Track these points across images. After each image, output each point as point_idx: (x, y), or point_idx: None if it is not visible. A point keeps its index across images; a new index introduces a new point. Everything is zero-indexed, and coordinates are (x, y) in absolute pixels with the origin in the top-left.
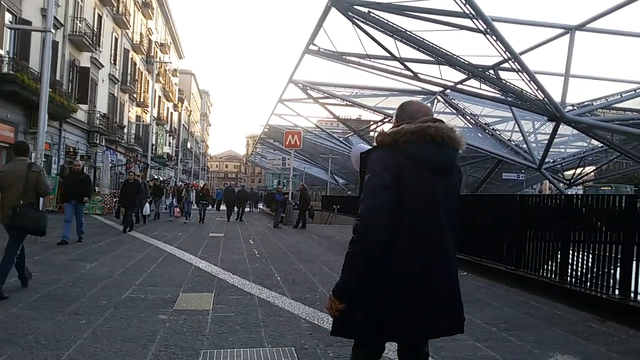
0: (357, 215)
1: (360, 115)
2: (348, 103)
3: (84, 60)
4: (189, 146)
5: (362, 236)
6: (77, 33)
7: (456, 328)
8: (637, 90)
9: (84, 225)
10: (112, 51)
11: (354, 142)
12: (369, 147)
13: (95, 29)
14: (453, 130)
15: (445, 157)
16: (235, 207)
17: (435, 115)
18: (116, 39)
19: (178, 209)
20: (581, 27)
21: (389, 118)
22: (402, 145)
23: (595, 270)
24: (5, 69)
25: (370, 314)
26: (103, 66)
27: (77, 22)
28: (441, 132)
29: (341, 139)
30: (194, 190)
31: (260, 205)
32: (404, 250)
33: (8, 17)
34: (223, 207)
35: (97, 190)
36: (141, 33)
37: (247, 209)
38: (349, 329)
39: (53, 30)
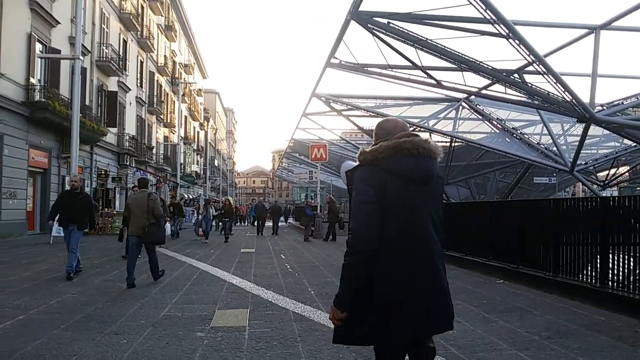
0: (349, 230)
1: None
2: (372, 114)
3: (112, 84)
4: (216, 164)
5: (354, 248)
6: (104, 59)
7: (446, 325)
8: None
9: (78, 258)
10: (138, 74)
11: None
12: (355, 163)
13: (121, 54)
14: (427, 141)
15: (423, 168)
16: (271, 222)
17: (460, 123)
18: (141, 63)
19: (201, 228)
20: (606, 26)
21: (414, 127)
22: (381, 161)
23: (637, 273)
24: (37, 97)
25: (367, 319)
26: (130, 89)
27: (104, 48)
28: (416, 145)
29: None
30: (212, 207)
31: (290, 220)
32: (394, 257)
33: (38, 47)
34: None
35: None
36: (165, 55)
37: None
38: (349, 336)
39: (81, 57)
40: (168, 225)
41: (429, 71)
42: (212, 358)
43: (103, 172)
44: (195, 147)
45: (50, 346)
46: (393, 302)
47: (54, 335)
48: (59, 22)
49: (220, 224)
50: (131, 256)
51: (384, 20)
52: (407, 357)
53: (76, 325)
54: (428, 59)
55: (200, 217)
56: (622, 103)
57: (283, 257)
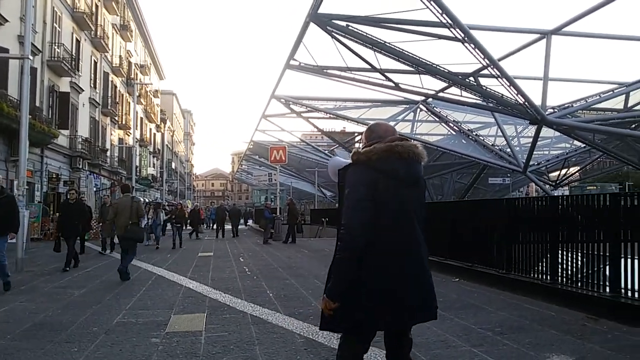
0: (341, 225)
1: (344, 128)
2: (332, 116)
3: (64, 85)
4: (173, 166)
5: (347, 243)
6: (56, 58)
7: (431, 314)
8: (615, 91)
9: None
10: (92, 75)
11: (339, 154)
12: (345, 160)
13: (73, 54)
14: (417, 146)
15: (412, 170)
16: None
17: (417, 125)
18: (95, 63)
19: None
20: (557, 31)
21: None
22: (374, 162)
23: (585, 269)
24: None
25: (355, 309)
26: (83, 90)
27: (55, 47)
28: (408, 149)
29: (327, 152)
30: (164, 211)
31: (250, 222)
32: (384, 251)
33: None
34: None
35: None
36: (120, 56)
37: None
38: (337, 323)
39: (31, 57)
40: None
41: (387, 74)
42: None
43: (54, 176)
44: (151, 150)
45: None
46: (384, 293)
47: (0, 346)
48: (7, 20)
49: (189, 228)
50: (123, 252)
51: (343, 23)
52: (373, 352)
53: (24, 334)
54: (386, 62)
55: (149, 221)
56: (572, 106)
57: (242, 260)
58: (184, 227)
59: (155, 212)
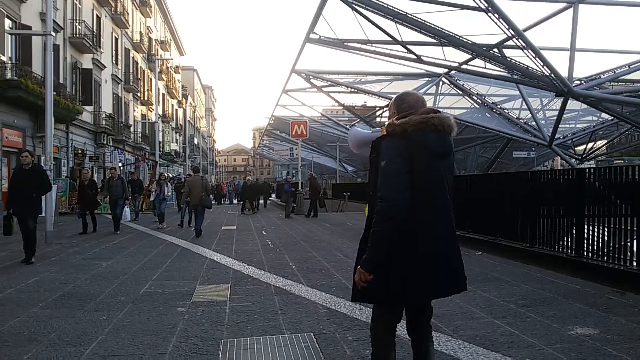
0: (379, 198)
1: (365, 102)
2: (353, 90)
3: (86, 62)
4: (196, 142)
5: (386, 215)
6: (78, 35)
7: (462, 286)
8: None
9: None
10: (114, 52)
11: (360, 129)
12: (364, 131)
13: (95, 31)
14: (450, 119)
15: (446, 143)
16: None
17: (440, 98)
18: (116, 39)
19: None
20: (584, 0)
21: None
22: (411, 134)
23: (611, 243)
24: (9, 75)
25: (389, 281)
26: (105, 67)
27: (77, 24)
28: (443, 121)
29: (348, 126)
30: (168, 184)
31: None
32: (419, 224)
33: (8, 23)
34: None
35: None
36: (141, 32)
37: (261, 202)
38: (370, 295)
39: (54, 34)
40: (127, 209)
41: (409, 46)
42: (193, 332)
43: (80, 152)
44: (174, 126)
45: (29, 324)
46: (419, 264)
47: (32, 314)
48: None
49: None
50: (196, 217)
51: None
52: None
53: (55, 303)
54: (408, 34)
55: (153, 196)
56: (600, 77)
57: (265, 233)
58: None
59: (159, 186)
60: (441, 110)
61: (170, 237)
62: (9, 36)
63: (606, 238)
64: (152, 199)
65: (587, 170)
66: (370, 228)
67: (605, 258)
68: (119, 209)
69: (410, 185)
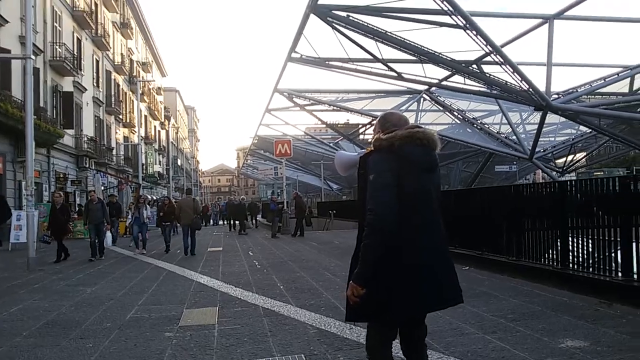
0: (368, 210)
1: (348, 120)
2: (335, 108)
3: (67, 84)
4: (179, 163)
5: (376, 228)
6: (58, 58)
7: (455, 299)
8: (620, 74)
9: None
10: (94, 74)
11: (344, 146)
12: (349, 153)
13: (75, 53)
14: (434, 134)
15: (431, 157)
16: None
17: (421, 114)
18: (97, 62)
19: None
20: (559, 15)
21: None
22: (397, 147)
23: (596, 254)
24: None
25: (381, 295)
26: (86, 89)
27: (57, 47)
28: (427, 136)
29: (331, 144)
30: (147, 207)
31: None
32: (407, 238)
33: None
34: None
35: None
36: (122, 54)
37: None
38: (363, 312)
39: (33, 57)
40: (109, 234)
41: (389, 64)
42: (181, 357)
43: (62, 176)
44: (156, 147)
45: (13, 354)
46: (410, 277)
47: (15, 343)
48: (7, 21)
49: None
50: (184, 237)
51: (343, 14)
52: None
53: (39, 332)
54: (388, 52)
55: (131, 220)
56: (577, 91)
57: (251, 254)
58: (177, 226)
59: (137, 209)
60: (423, 125)
61: (155, 260)
62: None
63: (590, 249)
64: (128, 222)
65: (569, 182)
66: (360, 243)
67: (591, 269)
68: (101, 234)
69: (398, 197)
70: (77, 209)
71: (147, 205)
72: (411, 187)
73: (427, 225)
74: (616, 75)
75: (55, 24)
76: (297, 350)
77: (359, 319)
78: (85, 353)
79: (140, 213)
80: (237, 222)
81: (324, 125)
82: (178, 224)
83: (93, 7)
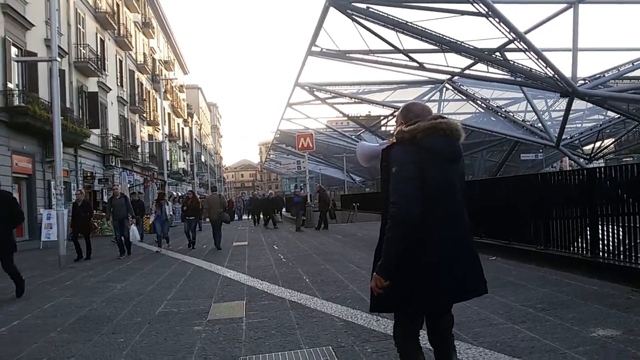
0: (391, 203)
1: (369, 112)
2: (356, 100)
3: (92, 85)
4: (203, 159)
5: (399, 221)
6: (82, 59)
7: (482, 289)
8: None
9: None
10: (118, 73)
11: (366, 139)
12: (371, 144)
13: (99, 54)
14: (457, 124)
15: (455, 147)
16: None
17: (444, 104)
18: (120, 61)
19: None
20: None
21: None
22: (419, 139)
23: (626, 242)
24: (16, 102)
25: (406, 286)
26: (111, 89)
27: (81, 48)
28: (451, 126)
29: (353, 136)
30: (168, 203)
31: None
32: (430, 230)
33: (14, 50)
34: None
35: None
36: (144, 53)
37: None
38: (387, 303)
39: (59, 59)
40: (134, 228)
41: (410, 54)
42: (210, 350)
43: (89, 174)
44: (180, 144)
45: (48, 349)
46: (435, 268)
47: (50, 339)
48: (33, 25)
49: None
50: (214, 231)
51: (363, 5)
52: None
53: (72, 327)
54: (409, 42)
55: (153, 218)
56: (604, 76)
57: (276, 248)
58: (200, 221)
59: (159, 205)
60: (446, 115)
61: (182, 255)
62: (15, 63)
63: (620, 237)
64: (152, 219)
65: (597, 169)
66: (383, 235)
67: (621, 257)
68: (125, 230)
69: (421, 189)
70: (102, 207)
71: (169, 202)
72: (434, 179)
73: (451, 216)
74: None
75: (79, 25)
76: (325, 343)
77: (383, 310)
78: (117, 348)
79: (162, 210)
80: (261, 217)
81: (346, 118)
82: (201, 220)
83: (115, 8)
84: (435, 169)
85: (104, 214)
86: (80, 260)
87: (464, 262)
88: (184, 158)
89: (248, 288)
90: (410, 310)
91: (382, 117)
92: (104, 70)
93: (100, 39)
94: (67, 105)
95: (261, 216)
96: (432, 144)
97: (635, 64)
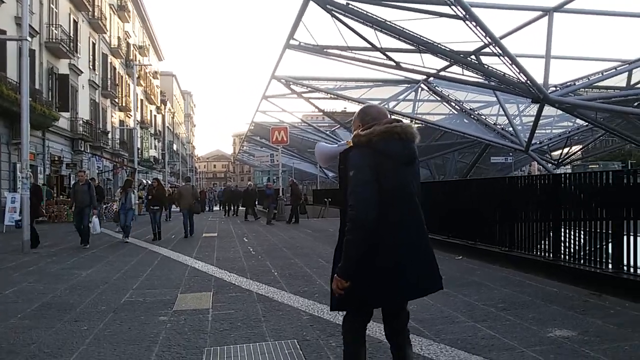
0: (349, 206)
1: (345, 108)
2: (332, 96)
3: (63, 67)
4: (175, 148)
5: (357, 224)
6: (54, 40)
7: (437, 286)
8: (618, 68)
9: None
10: (91, 57)
11: (340, 135)
12: (329, 145)
13: (71, 35)
14: (412, 127)
15: (410, 150)
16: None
17: (419, 104)
18: (94, 44)
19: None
20: (559, 8)
21: None
22: (375, 143)
23: (588, 246)
24: None
25: (364, 286)
26: (82, 72)
27: (53, 29)
28: (405, 130)
29: (328, 132)
30: (134, 192)
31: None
32: (386, 233)
33: None
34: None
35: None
36: (119, 37)
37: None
38: (347, 302)
39: (29, 39)
40: (96, 219)
41: (388, 53)
42: (175, 340)
43: (57, 159)
44: (152, 132)
45: (8, 335)
46: (391, 269)
47: (10, 325)
48: (2, 2)
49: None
50: (184, 220)
51: (343, 1)
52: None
53: (34, 314)
54: (387, 41)
55: (117, 205)
56: (574, 84)
57: (246, 240)
58: (164, 210)
59: (125, 193)
60: (420, 115)
61: (149, 244)
62: None
63: (582, 241)
64: (115, 207)
65: (563, 175)
66: (343, 236)
67: (582, 261)
68: (85, 219)
69: (378, 192)
70: (68, 192)
71: (134, 190)
72: (389, 183)
73: (405, 220)
74: (614, 70)
75: (51, 5)
76: (290, 336)
77: (343, 309)
78: (80, 335)
79: (127, 198)
80: (232, 208)
81: (321, 113)
82: (168, 209)
83: None
84: (390, 174)
85: (69, 199)
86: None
87: (419, 265)
88: (155, 146)
89: (216, 280)
90: (367, 309)
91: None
92: (76, 52)
93: (74, 20)
94: (37, 86)
95: (234, 208)
96: (388, 148)
97: (604, 74)
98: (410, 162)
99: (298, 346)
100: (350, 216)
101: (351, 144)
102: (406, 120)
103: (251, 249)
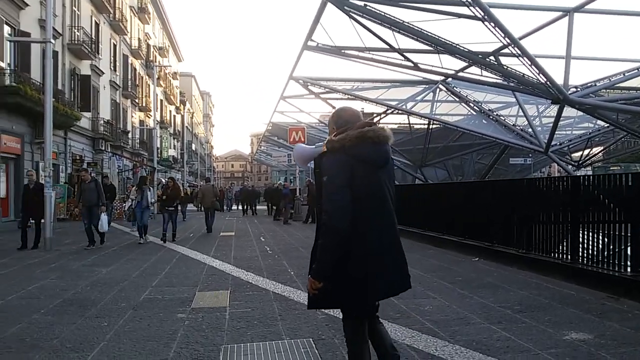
0: (324, 211)
1: (362, 109)
2: (350, 97)
3: (84, 68)
4: (193, 148)
5: (331, 229)
6: (76, 42)
7: (407, 285)
8: None
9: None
10: (112, 58)
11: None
12: (306, 146)
13: (93, 37)
14: (385, 129)
15: (383, 153)
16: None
17: (437, 105)
18: (115, 46)
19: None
20: (579, 8)
21: (392, 110)
22: (348, 149)
23: (606, 249)
24: (7, 82)
25: (339, 292)
26: (103, 73)
27: (75, 30)
28: (378, 133)
29: None
30: (151, 189)
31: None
32: (363, 232)
33: (7, 29)
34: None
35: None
36: (139, 38)
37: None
38: (322, 302)
39: (53, 41)
40: (104, 216)
41: (406, 54)
42: (193, 337)
43: (78, 158)
44: (171, 131)
45: (31, 330)
46: (365, 270)
47: (33, 320)
48: (27, 5)
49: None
50: (206, 218)
51: (360, 2)
52: None
53: (56, 310)
54: (405, 42)
55: (131, 204)
56: (595, 85)
57: (263, 239)
58: (180, 210)
59: (141, 191)
60: (439, 116)
61: (168, 243)
62: (8, 43)
63: (601, 244)
64: (127, 205)
65: (582, 177)
66: (318, 239)
67: (600, 264)
68: (95, 218)
69: (351, 197)
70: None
71: (151, 188)
72: (362, 190)
73: (382, 220)
74: (636, 70)
75: (74, 7)
76: (306, 335)
77: (319, 307)
78: (100, 332)
79: (143, 196)
80: (250, 207)
81: None
82: (184, 209)
83: None
84: (364, 178)
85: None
86: (25, 250)
87: (389, 272)
88: (174, 145)
89: (233, 278)
90: (351, 313)
91: (375, 115)
92: (98, 53)
93: (95, 22)
94: (59, 87)
95: (253, 207)
96: (361, 152)
97: (626, 74)
98: (383, 165)
99: (313, 345)
100: (324, 221)
101: (325, 150)
102: (410, 118)
103: (268, 249)
